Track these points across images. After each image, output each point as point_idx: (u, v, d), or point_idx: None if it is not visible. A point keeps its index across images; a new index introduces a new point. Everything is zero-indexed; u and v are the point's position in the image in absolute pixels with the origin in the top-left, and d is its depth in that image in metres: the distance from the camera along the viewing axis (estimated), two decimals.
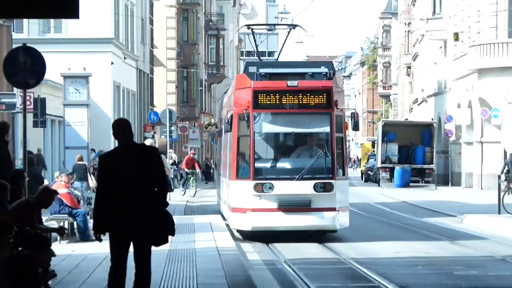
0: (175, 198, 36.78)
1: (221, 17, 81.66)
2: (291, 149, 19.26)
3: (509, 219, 25.57)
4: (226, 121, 19.50)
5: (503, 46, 44.48)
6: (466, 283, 13.83)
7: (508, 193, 29.04)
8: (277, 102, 18.25)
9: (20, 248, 10.20)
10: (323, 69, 19.11)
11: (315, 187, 17.88)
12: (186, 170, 43.40)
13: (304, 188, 17.97)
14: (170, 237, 9.34)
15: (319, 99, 18.28)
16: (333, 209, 17.99)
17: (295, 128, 18.92)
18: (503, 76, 43.68)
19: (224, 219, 24.08)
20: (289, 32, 26.40)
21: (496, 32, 44.78)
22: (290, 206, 17.93)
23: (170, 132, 45.32)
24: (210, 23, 76.63)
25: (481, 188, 44.04)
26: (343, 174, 19.33)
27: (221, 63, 78.79)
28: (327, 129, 18.34)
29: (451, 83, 53.73)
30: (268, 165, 18.81)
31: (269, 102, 18.25)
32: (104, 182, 9.14)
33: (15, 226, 10.44)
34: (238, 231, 19.48)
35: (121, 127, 9.13)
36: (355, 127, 20.63)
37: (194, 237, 19.95)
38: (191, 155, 46.75)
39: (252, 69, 19.00)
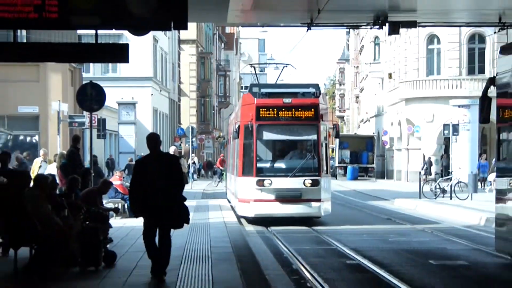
0: (197, 187, 36.59)
1: (227, 62, 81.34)
2: (286, 152, 18.10)
3: (426, 201, 25.58)
4: (235, 130, 18.47)
5: (423, 82, 44.32)
6: (396, 246, 13.82)
7: (425, 184, 29.12)
8: (275, 116, 17.13)
9: (87, 222, 10.12)
10: (311, 89, 18.07)
11: (304, 182, 16.80)
12: (220, 168, 43.02)
13: (296, 183, 16.90)
14: (185, 225, 9.10)
15: (308, 113, 17.14)
16: (319, 200, 16.87)
17: (289, 136, 17.74)
18: (423, 103, 43.51)
19: (229, 202, 23.36)
20: (282, 69, 25.38)
21: (417, 72, 44.67)
22: (285, 197, 16.80)
23: (192, 142, 45.07)
24: (220, 66, 76.21)
25: (407, 181, 43.90)
26: (326, 172, 18.24)
27: (227, 94, 78.35)
28: (314, 137, 17.24)
29: (386, 108, 53.59)
30: (268, 165, 17.67)
31: (269, 115, 17.17)
32: (137, 178, 8.92)
33: (84, 207, 10.39)
34: (242, 217, 18.33)
35: (152, 140, 8.89)
36: (337, 136, 20.26)
37: (208, 214, 19.78)
38: (222, 157, 44.68)
39: (255, 89, 18.01)
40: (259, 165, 17.27)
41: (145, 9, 7.08)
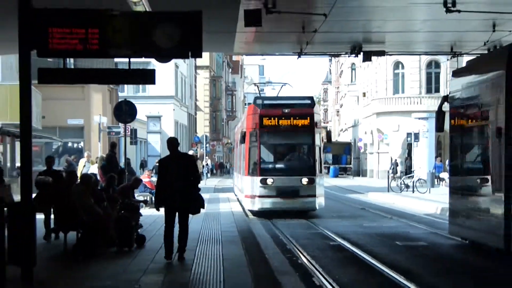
0: (210, 183, 36.52)
1: (233, 84, 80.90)
2: (286, 155, 17.17)
3: (393, 194, 25.48)
4: (241, 136, 17.63)
5: (390, 99, 44.25)
6: (369, 230, 13.77)
7: (392, 180, 29.06)
8: (276, 123, 16.24)
9: (122, 211, 10.12)
10: (307, 101, 17.26)
11: (301, 181, 15.90)
12: None
13: (294, 181, 16.01)
14: (202, 210, 8.98)
15: (304, 121, 16.27)
16: (314, 196, 16.08)
17: (288, 141, 16.98)
18: (390, 116, 43.47)
19: (236, 196, 22.60)
20: (281, 88, 23.82)
21: (386, 92, 44.59)
22: (285, 194, 15.98)
23: (206, 147, 45.07)
24: (228, 87, 76.08)
25: (378, 178, 43.79)
26: (320, 172, 17.25)
27: (234, 109, 78.15)
28: (310, 141, 16.49)
29: (361, 120, 53.43)
30: (270, 165, 16.78)
31: (271, 123, 16.26)
32: (161, 176, 8.80)
33: (120, 199, 10.39)
34: (249, 210, 17.27)
35: (171, 143, 8.80)
36: (329, 140, 20.36)
37: (219, 205, 19.81)
38: None
39: (259, 101, 17.06)
40: (263, 166, 16.50)
41: (169, 42, 7.10)
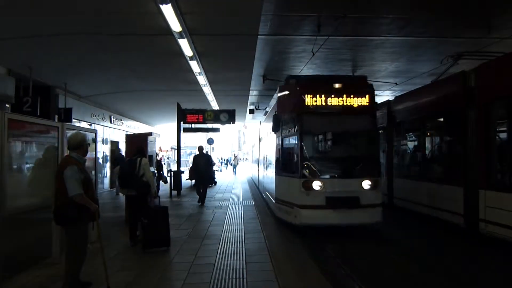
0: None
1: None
2: (338, 148, 11.71)
3: None
4: (275, 121, 12.28)
5: None
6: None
7: None
8: (324, 103, 11.31)
9: None
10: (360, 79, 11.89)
11: (362, 184, 10.91)
12: None
13: (353, 185, 10.94)
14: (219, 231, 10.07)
15: (362, 100, 11.45)
16: (379, 205, 10.99)
17: (342, 128, 11.44)
18: None
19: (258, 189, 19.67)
20: None
21: None
22: (340, 203, 10.74)
23: None
24: None
25: None
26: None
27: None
28: (370, 130, 11.39)
29: None
30: (316, 163, 11.24)
31: (316, 103, 11.36)
32: (193, 163, 15.24)
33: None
34: (283, 221, 11.50)
35: (200, 148, 15.45)
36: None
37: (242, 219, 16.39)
38: None
39: (293, 81, 11.92)
40: (306, 163, 11.08)
41: (225, 119, 18.91)
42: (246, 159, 44.50)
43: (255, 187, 20.74)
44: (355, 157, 10.87)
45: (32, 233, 7.07)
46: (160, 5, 8.47)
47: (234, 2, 8.91)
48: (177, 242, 8.84)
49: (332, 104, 10.81)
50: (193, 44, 11.38)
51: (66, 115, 14.57)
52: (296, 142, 10.85)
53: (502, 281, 7.12)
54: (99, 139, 16.70)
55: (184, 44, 11.00)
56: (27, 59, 11.92)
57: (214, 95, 19.34)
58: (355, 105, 10.87)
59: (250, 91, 19.25)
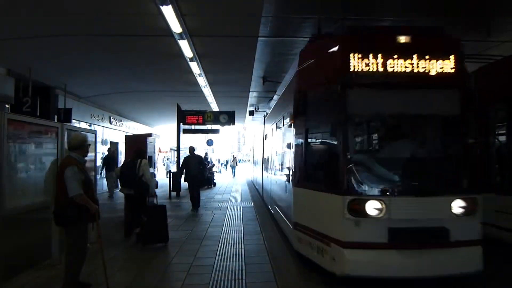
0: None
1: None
2: (408, 146, 6.08)
3: None
4: (296, 105, 7.02)
5: None
6: None
7: None
8: (383, 69, 5.95)
9: None
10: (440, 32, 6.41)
11: (453, 207, 5.72)
12: None
13: (435, 208, 5.65)
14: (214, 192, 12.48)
15: (446, 66, 6.07)
16: (477, 242, 5.77)
17: (413, 110, 6.00)
18: None
19: (264, 202, 14.32)
20: None
21: None
22: (412, 239, 5.60)
23: None
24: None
25: None
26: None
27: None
28: (458, 112, 6.04)
29: None
30: (371, 171, 5.93)
31: (371, 70, 5.96)
32: (184, 165, 13.82)
33: None
34: (305, 256, 6.95)
35: (191, 149, 13.99)
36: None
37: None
38: None
39: (336, 35, 6.63)
40: (355, 169, 5.94)
41: (225, 120, 18.93)
42: (248, 160, 43.76)
43: (258, 195, 17.93)
44: (438, 160, 6.09)
45: (32, 234, 7.06)
46: (161, 6, 8.48)
47: (234, 3, 8.92)
48: (176, 243, 8.85)
49: (399, 70, 6.09)
50: (193, 46, 11.40)
51: (66, 116, 14.57)
52: (335, 133, 6.10)
53: None
54: (98, 139, 16.67)
55: (184, 45, 11.01)
56: (27, 60, 11.91)
57: (214, 97, 19.36)
58: (435, 73, 6.16)
59: (250, 93, 19.27)
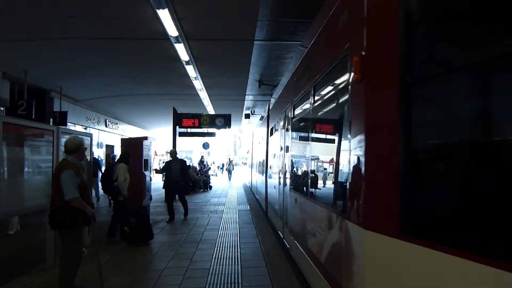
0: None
1: None
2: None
3: None
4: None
5: None
6: None
7: None
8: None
9: None
10: None
11: None
12: None
13: None
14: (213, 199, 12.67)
15: None
16: None
17: None
18: None
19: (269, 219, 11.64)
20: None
21: None
22: None
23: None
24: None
25: None
26: None
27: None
28: None
29: None
30: (445, 188, 2.26)
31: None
32: (163, 170, 12.80)
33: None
34: None
35: (173, 153, 13.05)
36: None
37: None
38: None
39: None
40: (419, 189, 2.39)
41: (221, 123, 18.95)
42: (244, 163, 43.24)
43: (256, 204, 16.10)
44: None
45: (26, 238, 7.03)
46: (157, 10, 8.47)
47: (230, 7, 8.93)
48: (172, 247, 8.81)
49: None
50: (189, 49, 11.39)
51: (61, 119, 14.54)
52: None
53: None
54: (94, 142, 16.63)
55: (181, 49, 11.00)
56: (22, 62, 11.87)
57: (210, 100, 19.35)
58: None
59: (246, 96, 19.27)
